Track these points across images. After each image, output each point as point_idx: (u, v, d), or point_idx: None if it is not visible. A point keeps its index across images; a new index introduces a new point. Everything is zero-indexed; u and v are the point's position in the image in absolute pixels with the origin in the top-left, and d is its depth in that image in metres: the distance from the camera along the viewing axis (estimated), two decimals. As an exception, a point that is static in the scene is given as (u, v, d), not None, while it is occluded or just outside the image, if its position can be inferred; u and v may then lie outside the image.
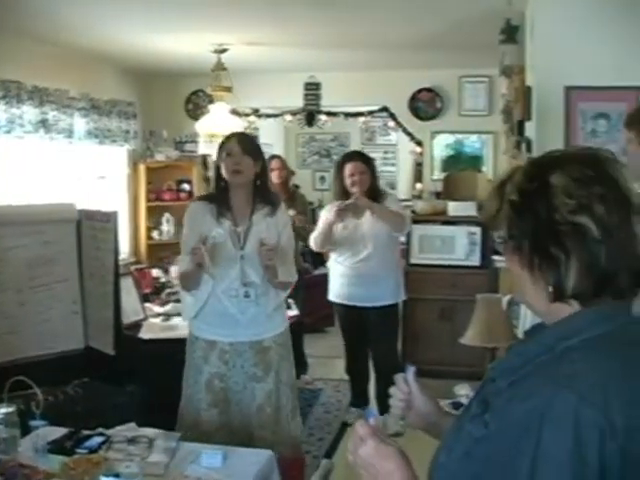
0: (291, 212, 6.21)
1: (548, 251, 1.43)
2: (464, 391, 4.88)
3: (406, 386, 1.88)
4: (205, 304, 3.95)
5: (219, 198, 4.00)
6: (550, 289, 1.45)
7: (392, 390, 1.91)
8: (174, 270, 7.97)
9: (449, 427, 1.62)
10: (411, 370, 1.89)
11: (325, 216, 5.52)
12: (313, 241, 5.62)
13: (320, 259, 8.41)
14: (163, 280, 6.60)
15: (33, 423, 3.21)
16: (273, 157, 7.04)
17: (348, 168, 5.48)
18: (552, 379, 1.37)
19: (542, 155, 1.56)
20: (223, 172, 3.95)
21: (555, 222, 1.42)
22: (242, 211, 3.98)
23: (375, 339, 5.70)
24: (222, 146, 4.00)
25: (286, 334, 4.18)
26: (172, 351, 4.60)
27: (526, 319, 4.49)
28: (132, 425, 3.43)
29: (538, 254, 1.45)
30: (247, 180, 3.96)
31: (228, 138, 4.03)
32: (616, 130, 4.21)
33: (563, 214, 1.41)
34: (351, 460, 1.55)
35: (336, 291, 5.72)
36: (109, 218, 4.47)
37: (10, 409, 2.95)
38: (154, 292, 6.07)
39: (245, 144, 3.95)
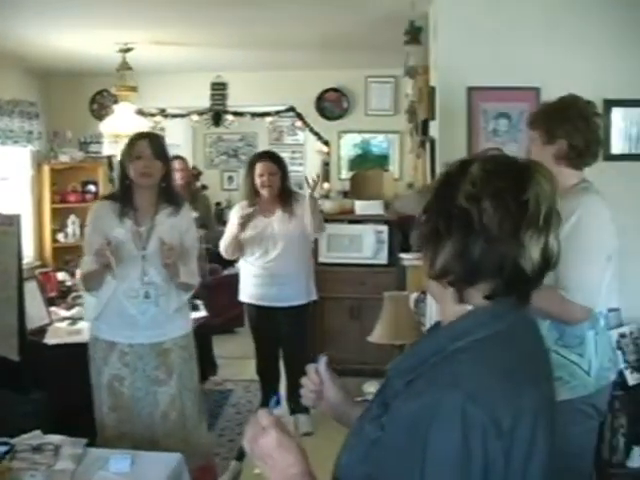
0: (194, 214, 6.19)
1: (437, 229, 1.50)
2: (373, 388, 4.93)
3: (317, 376, 1.90)
4: (106, 304, 3.90)
5: (123, 198, 3.96)
6: (427, 265, 1.53)
7: (304, 380, 1.94)
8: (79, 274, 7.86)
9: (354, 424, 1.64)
10: (322, 360, 1.91)
11: (234, 218, 5.50)
12: (224, 250, 5.61)
13: (230, 260, 8.38)
14: (69, 283, 6.49)
15: None
16: (176, 158, 6.94)
17: (258, 168, 5.48)
18: (439, 380, 1.40)
19: (483, 151, 1.64)
20: (130, 172, 3.90)
21: (452, 205, 1.48)
22: (146, 211, 3.95)
23: (286, 339, 5.71)
24: (131, 146, 3.94)
25: (189, 337, 4.15)
26: (79, 355, 4.52)
27: (432, 317, 4.56)
28: (37, 433, 3.35)
29: (430, 229, 1.52)
30: (155, 183, 3.93)
31: (138, 139, 3.97)
32: (517, 130, 4.31)
33: (460, 199, 1.47)
34: (248, 448, 1.54)
35: (247, 291, 5.70)
36: (12, 221, 4.36)
37: None
38: (60, 296, 5.96)
39: (156, 147, 3.92)
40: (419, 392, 1.42)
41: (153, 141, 3.97)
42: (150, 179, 3.90)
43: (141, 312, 3.89)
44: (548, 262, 1.51)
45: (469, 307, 1.50)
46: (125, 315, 3.89)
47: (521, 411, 1.39)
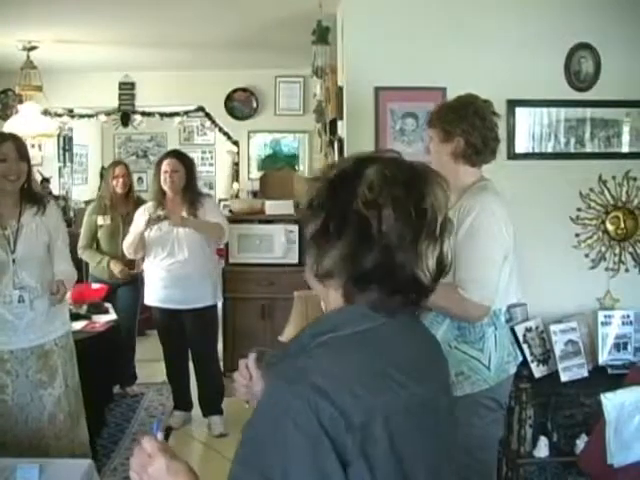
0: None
1: (327, 228, 1.48)
2: None
3: (247, 371, 1.89)
4: None
5: None
6: (312, 263, 1.52)
7: (235, 375, 1.92)
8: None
9: None
10: (252, 356, 1.90)
11: (139, 219, 5.44)
12: (127, 249, 5.53)
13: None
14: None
15: None
16: (117, 164, 6.72)
17: (163, 165, 5.45)
18: (287, 373, 1.41)
19: (380, 150, 1.62)
20: None
21: (348, 208, 1.45)
22: (10, 214, 3.82)
23: (194, 341, 5.67)
24: None
25: (68, 336, 4.09)
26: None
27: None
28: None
29: (321, 227, 1.49)
30: (20, 185, 3.82)
31: (3, 140, 3.80)
32: (423, 129, 4.38)
33: (358, 203, 1.44)
34: (135, 479, 1.50)
35: (152, 294, 5.64)
36: None
37: None
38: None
39: (21, 148, 3.81)
40: (270, 383, 1.43)
41: (18, 143, 3.83)
42: (14, 182, 3.77)
43: (18, 317, 3.79)
44: (442, 270, 1.51)
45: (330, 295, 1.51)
46: (2, 322, 3.76)
47: (374, 411, 1.37)
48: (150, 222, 5.28)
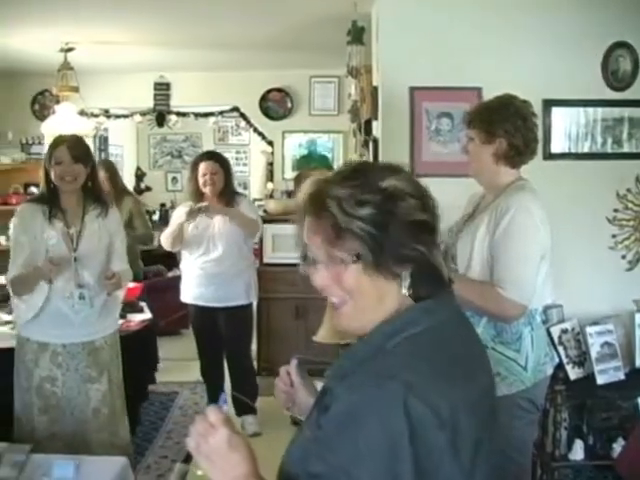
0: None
1: (371, 233, 1.47)
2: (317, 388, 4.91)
3: (288, 378, 1.88)
4: (42, 307, 3.85)
5: (50, 200, 3.90)
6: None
7: (276, 381, 1.92)
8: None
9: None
10: (294, 362, 1.89)
11: (177, 216, 5.48)
12: (164, 240, 5.56)
13: (174, 262, 8.34)
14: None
15: None
16: (102, 163, 6.77)
17: (201, 168, 5.46)
18: (376, 372, 1.40)
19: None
20: (52, 177, 3.86)
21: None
22: (74, 213, 3.92)
23: (228, 340, 5.69)
24: (51, 152, 3.89)
25: (116, 335, 4.17)
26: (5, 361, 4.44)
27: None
28: (-22, 440, 3.31)
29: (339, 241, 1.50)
30: (79, 186, 3.91)
31: (57, 144, 3.91)
32: (459, 129, 4.36)
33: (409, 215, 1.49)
34: (192, 446, 1.49)
35: (188, 292, 5.67)
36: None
37: None
38: (1, 299, 5.83)
39: (75, 151, 3.87)
40: (356, 385, 1.41)
41: (72, 145, 3.91)
42: (71, 184, 3.86)
43: (75, 312, 3.87)
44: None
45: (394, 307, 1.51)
46: (59, 315, 3.85)
47: (458, 405, 1.39)
48: (192, 213, 5.31)
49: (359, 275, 1.49)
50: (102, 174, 6.41)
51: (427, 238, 1.50)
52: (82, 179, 3.90)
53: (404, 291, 1.50)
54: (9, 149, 8.27)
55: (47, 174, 3.90)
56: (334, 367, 1.60)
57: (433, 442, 1.34)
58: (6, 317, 5.40)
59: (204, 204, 5.35)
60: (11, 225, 4.00)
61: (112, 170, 6.65)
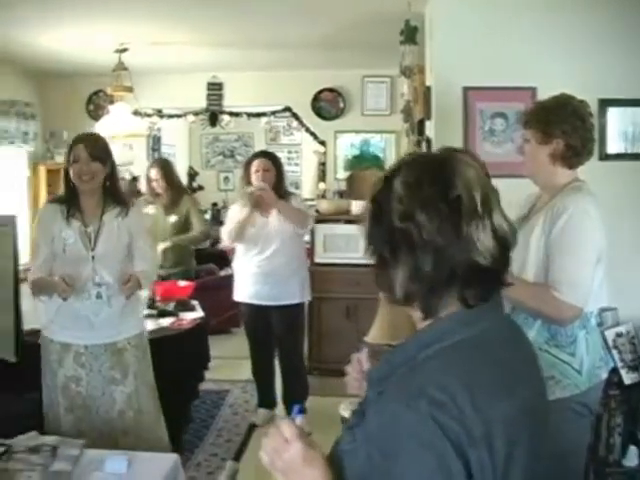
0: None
1: (382, 256, 1.47)
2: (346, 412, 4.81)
3: (359, 365, 1.88)
4: (59, 308, 3.88)
5: (69, 200, 3.93)
6: (386, 292, 1.49)
7: (347, 368, 1.90)
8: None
9: None
10: (364, 350, 1.89)
11: (233, 214, 5.53)
12: (227, 234, 5.57)
13: (225, 261, 8.38)
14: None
15: None
16: (152, 164, 6.82)
17: (254, 165, 5.52)
18: (406, 391, 1.37)
19: (398, 159, 1.58)
20: (71, 176, 3.88)
21: (389, 228, 1.45)
22: (92, 212, 3.93)
23: (280, 339, 5.71)
24: (70, 150, 3.91)
25: (142, 335, 4.15)
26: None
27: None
28: (34, 434, 3.34)
29: (378, 258, 1.49)
30: (96, 185, 3.91)
31: (76, 142, 3.92)
32: (513, 130, 4.32)
33: (396, 220, 1.44)
34: (267, 462, 1.47)
35: (241, 290, 5.70)
36: (7, 222, 4.33)
37: None
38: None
39: (93, 149, 3.87)
40: (387, 405, 1.39)
41: (89, 144, 3.91)
42: (89, 182, 3.87)
43: (94, 313, 3.88)
44: (504, 243, 1.48)
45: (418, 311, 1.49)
46: (79, 317, 3.87)
47: (492, 421, 1.35)
48: (252, 198, 5.33)
49: None
50: (156, 172, 6.47)
51: None
52: (100, 178, 3.90)
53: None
54: (64, 149, 8.35)
55: (67, 173, 3.92)
56: (374, 369, 1.60)
57: (467, 458, 1.31)
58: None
59: (261, 184, 5.37)
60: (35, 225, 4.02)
61: (167, 168, 6.66)
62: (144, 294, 4.20)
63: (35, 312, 5.07)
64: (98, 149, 3.91)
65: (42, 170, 8.20)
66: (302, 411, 1.57)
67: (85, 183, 3.86)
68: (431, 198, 1.42)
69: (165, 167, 6.63)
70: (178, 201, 6.51)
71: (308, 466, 1.42)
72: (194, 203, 6.76)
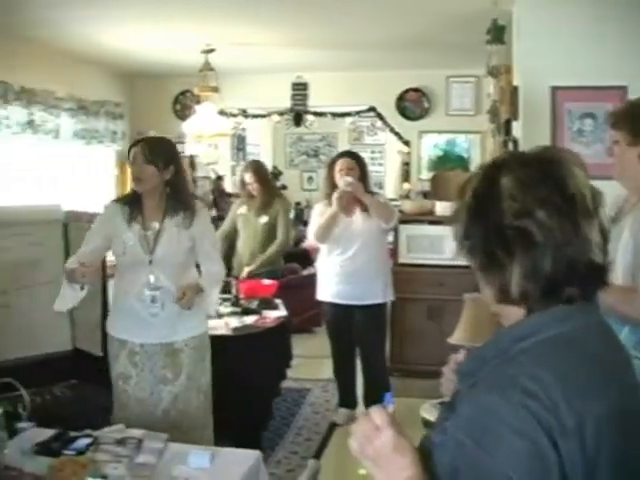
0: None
1: (495, 254, 1.44)
2: (428, 414, 4.77)
3: (456, 367, 1.88)
4: (116, 305, 3.93)
5: (132, 202, 3.93)
6: (497, 291, 1.46)
7: (444, 368, 1.89)
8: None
9: None
10: (462, 351, 1.88)
11: (319, 211, 5.58)
12: (313, 234, 5.60)
13: (308, 260, 8.42)
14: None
15: (20, 425, 3.19)
16: (247, 167, 6.78)
17: (338, 164, 5.53)
18: (499, 382, 1.36)
19: (499, 156, 1.56)
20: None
21: (502, 226, 1.42)
22: (153, 216, 3.91)
23: (362, 339, 5.70)
24: (129, 153, 3.94)
25: (201, 338, 4.10)
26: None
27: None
28: (120, 426, 3.42)
29: (487, 257, 1.46)
30: (150, 188, 3.88)
31: (135, 144, 3.95)
32: (602, 130, 4.24)
33: (509, 218, 1.41)
34: (356, 449, 1.43)
35: (324, 289, 5.71)
36: (96, 219, 4.45)
37: (-4, 411, 2.91)
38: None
39: (148, 153, 3.84)
40: (478, 395, 1.38)
41: (146, 146, 3.89)
42: (142, 185, 3.86)
43: (151, 315, 3.88)
44: (605, 238, 1.46)
45: (519, 309, 1.46)
46: (138, 316, 3.88)
47: (584, 416, 1.32)
48: (339, 200, 5.35)
49: None
50: (250, 176, 6.53)
51: None
52: (154, 182, 3.86)
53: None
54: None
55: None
56: (465, 363, 1.58)
57: (561, 449, 1.29)
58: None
59: (348, 179, 5.39)
60: None
61: (261, 171, 6.68)
62: (215, 295, 4.15)
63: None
64: (155, 152, 3.86)
65: (129, 169, 8.34)
66: (392, 399, 1.52)
67: (137, 185, 3.87)
68: (549, 195, 1.41)
69: (259, 170, 6.67)
70: (270, 202, 6.57)
71: (399, 454, 1.39)
72: (284, 206, 6.78)
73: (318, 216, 5.57)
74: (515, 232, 1.41)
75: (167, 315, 3.90)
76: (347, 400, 5.92)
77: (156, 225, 3.89)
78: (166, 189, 3.92)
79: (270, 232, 6.51)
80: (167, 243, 3.87)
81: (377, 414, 1.42)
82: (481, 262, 1.48)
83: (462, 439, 1.36)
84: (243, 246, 6.60)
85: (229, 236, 6.67)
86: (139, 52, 7.17)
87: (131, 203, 3.93)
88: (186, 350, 3.99)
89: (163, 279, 3.87)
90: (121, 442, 3.16)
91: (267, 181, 6.74)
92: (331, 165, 5.61)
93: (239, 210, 6.65)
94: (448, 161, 8.49)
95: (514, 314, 1.48)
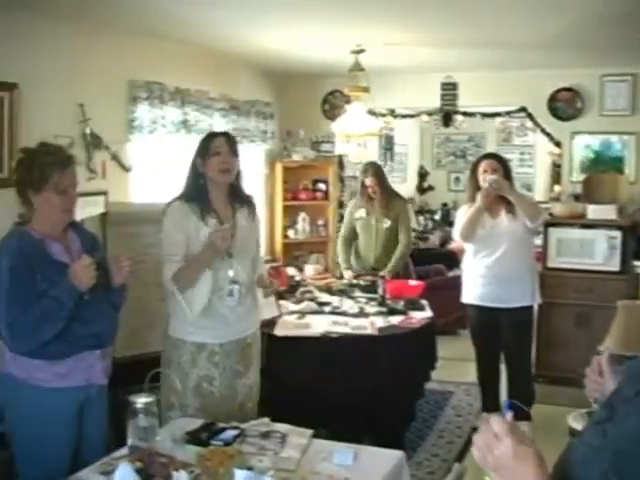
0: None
1: None
2: (576, 423, 4.63)
3: (599, 368, 1.86)
4: (194, 305, 3.85)
5: (200, 198, 3.90)
6: None
7: (587, 370, 1.89)
8: (308, 269, 8.09)
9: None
10: (606, 353, 1.87)
11: (464, 212, 5.58)
12: (457, 233, 5.61)
13: (454, 262, 8.37)
14: (298, 278, 6.71)
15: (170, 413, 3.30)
16: (367, 170, 6.82)
17: (482, 165, 5.53)
18: None
19: None
20: (207, 170, 3.87)
21: None
22: (225, 210, 3.95)
23: (508, 342, 5.62)
24: (207, 144, 3.91)
25: (259, 330, 4.22)
26: (304, 348, 4.67)
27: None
28: (266, 420, 3.50)
29: None
30: (232, 179, 3.94)
31: (213, 137, 3.97)
32: None
33: None
34: (478, 458, 1.45)
35: (470, 292, 5.67)
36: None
37: (150, 399, 3.01)
38: (289, 290, 6.13)
39: (233, 144, 3.92)
40: None
41: (230, 138, 3.96)
42: (229, 175, 3.89)
43: (231, 310, 3.91)
44: None
45: None
46: (215, 315, 3.89)
47: None
48: (483, 197, 5.33)
49: None
50: (371, 180, 6.58)
51: None
52: (235, 173, 3.95)
53: None
54: (300, 147, 8.66)
55: (196, 170, 3.92)
56: (632, 362, 1.54)
57: None
58: (293, 307, 5.68)
59: (493, 177, 5.37)
60: (164, 224, 3.94)
61: (381, 173, 6.78)
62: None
63: (269, 304, 5.28)
64: (236, 145, 3.98)
65: (279, 167, 8.52)
66: (512, 407, 1.53)
67: (224, 175, 3.88)
68: None
69: (379, 174, 6.72)
70: (390, 204, 6.59)
71: (519, 462, 1.39)
72: (404, 206, 6.78)
73: (463, 216, 5.55)
74: None
75: (243, 310, 3.98)
76: (490, 405, 5.84)
77: (230, 219, 3.94)
78: (232, 182, 4.00)
79: (392, 235, 6.54)
80: (242, 236, 3.95)
81: (496, 423, 1.42)
82: None
83: (630, 448, 1.31)
84: (366, 250, 6.67)
85: (349, 240, 6.75)
86: (290, 53, 7.28)
87: (199, 199, 3.91)
88: (254, 342, 4.11)
89: (241, 271, 3.94)
90: (266, 435, 3.24)
91: (386, 184, 6.80)
92: (475, 167, 5.61)
93: (356, 214, 6.72)
94: (601, 163, 8.22)
95: None
